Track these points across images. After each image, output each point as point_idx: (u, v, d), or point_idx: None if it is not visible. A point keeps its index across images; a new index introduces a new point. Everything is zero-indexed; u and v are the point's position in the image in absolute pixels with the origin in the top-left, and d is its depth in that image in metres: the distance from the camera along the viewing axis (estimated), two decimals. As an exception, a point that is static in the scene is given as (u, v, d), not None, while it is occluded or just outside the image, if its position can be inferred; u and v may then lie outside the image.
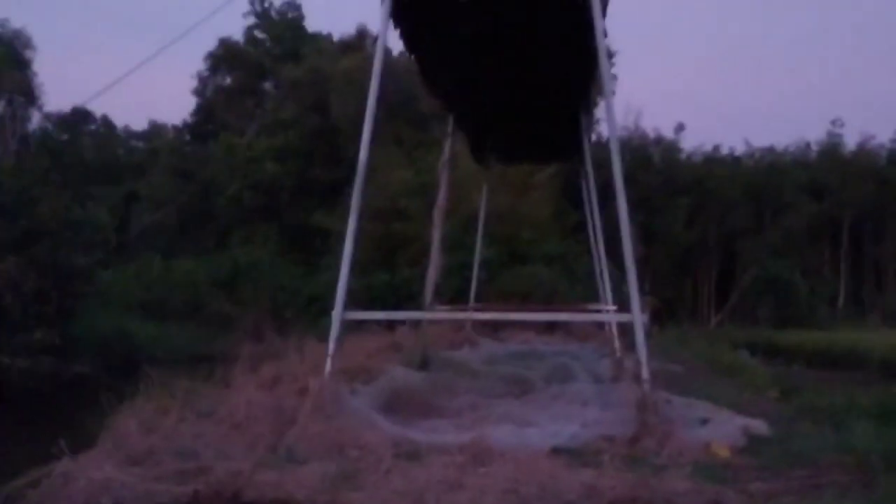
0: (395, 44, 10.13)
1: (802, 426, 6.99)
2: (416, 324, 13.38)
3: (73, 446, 6.13)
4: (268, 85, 50.31)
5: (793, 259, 45.64)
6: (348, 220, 8.26)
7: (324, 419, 6.46)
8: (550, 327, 17.71)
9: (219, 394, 7.55)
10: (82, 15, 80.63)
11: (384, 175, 29.48)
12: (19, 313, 18.59)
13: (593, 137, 22.48)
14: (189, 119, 50.92)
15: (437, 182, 13.94)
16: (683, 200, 45.22)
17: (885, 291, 48.26)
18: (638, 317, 7.26)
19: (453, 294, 18.02)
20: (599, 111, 22.11)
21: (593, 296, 17.60)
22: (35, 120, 45.13)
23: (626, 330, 11.02)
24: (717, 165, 49.24)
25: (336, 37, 50.22)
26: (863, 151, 51.71)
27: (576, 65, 10.46)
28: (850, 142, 52.15)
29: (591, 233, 17.05)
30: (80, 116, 47.59)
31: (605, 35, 8.09)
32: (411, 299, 20.73)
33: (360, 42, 46.60)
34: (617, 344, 12.23)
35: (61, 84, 75.08)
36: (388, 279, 27.75)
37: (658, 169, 46.47)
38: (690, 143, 58.18)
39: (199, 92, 50.44)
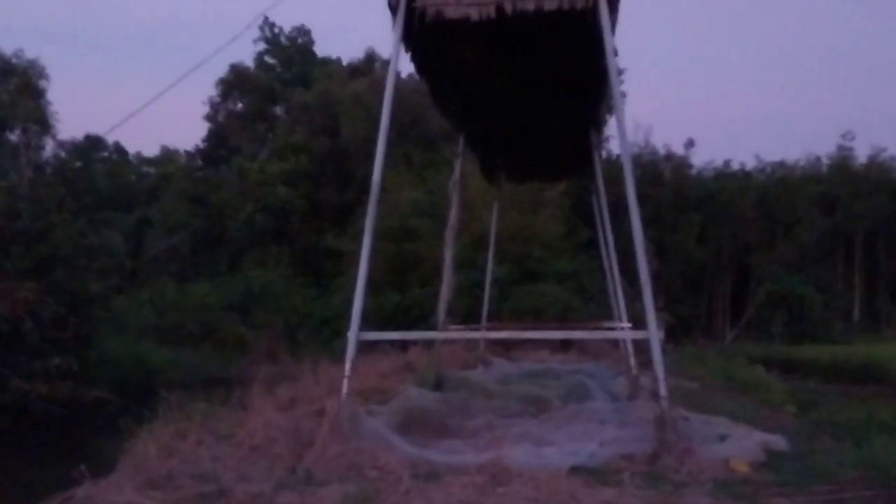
0: (405, 66, 10.25)
1: (822, 441, 6.95)
2: (429, 344, 13.39)
3: (93, 470, 6.18)
4: (278, 109, 50.78)
5: (806, 273, 45.35)
6: (360, 241, 8.32)
7: (341, 440, 6.47)
8: (564, 346, 17.67)
9: (236, 416, 7.59)
10: (91, 43, 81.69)
11: (395, 195, 29.63)
12: (37, 339, 18.70)
13: (604, 154, 22.52)
14: (201, 144, 51.43)
15: (447, 202, 13.98)
16: (695, 216, 45.09)
17: (901, 304, 47.79)
18: (654, 333, 7.24)
19: (465, 313, 18.00)
20: (609, 128, 22.21)
21: (606, 313, 17.54)
22: (49, 148, 45.69)
23: (641, 347, 11.00)
24: (728, 181, 49.08)
25: (345, 61, 50.75)
26: (874, 164, 51.46)
27: (585, 83, 10.54)
28: (861, 154, 51.94)
29: (603, 250, 17.04)
30: (92, 144, 48.14)
31: (616, 54, 8.16)
32: (423, 319, 20.74)
33: (369, 65, 47.02)
34: (632, 361, 12.18)
35: (73, 111, 76.05)
36: (400, 299, 27.78)
37: (669, 185, 46.39)
38: (701, 158, 58.06)
39: (210, 117, 50.95)
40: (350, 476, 5.78)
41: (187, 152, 51.77)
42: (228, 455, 6.30)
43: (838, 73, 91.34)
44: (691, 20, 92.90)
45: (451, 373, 12.57)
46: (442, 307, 12.88)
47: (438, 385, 11.05)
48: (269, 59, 51.73)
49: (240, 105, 50.94)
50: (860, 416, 7.95)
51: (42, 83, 42.65)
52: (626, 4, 8.56)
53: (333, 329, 26.86)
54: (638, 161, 44.52)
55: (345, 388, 7.42)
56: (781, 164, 52.00)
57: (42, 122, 43.21)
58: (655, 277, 8.07)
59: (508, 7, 7.84)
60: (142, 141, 73.89)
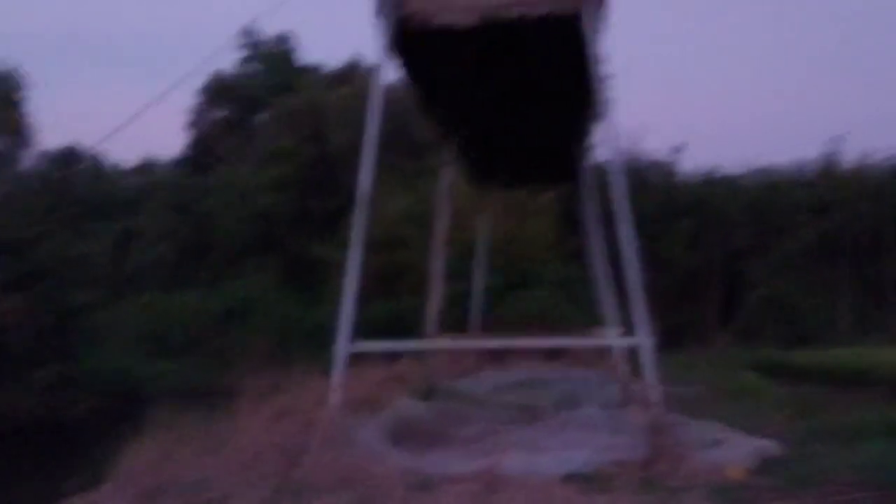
0: (389, 72, 10.22)
1: (814, 446, 6.95)
2: (419, 354, 13.33)
3: (83, 482, 6.12)
4: (262, 117, 50.62)
5: (798, 278, 45.59)
6: (348, 250, 8.29)
7: (333, 451, 6.42)
8: (555, 354, 17.62)
9: (226, 428, 7.52)
10: (69, 52, 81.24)
11: (382, 204, 29.54)
12: (23, 351, 18.56)
13: (593, 161, 22.58)
14: (183, 153, 51.13)
15: (436, 210, 13.97)
16: (685, 222, 45.24)
17: (891, 309, 48.09)
18: (645, 340, 7.25)
19: (455, 323, 17.92)
20: (598, 134, 22.21)
21: (597, 321, 17.54)
22: (29, 158, 45.33)
23: (632, 354, 11.00)
24: (717, 186, 49.27)
25: (329, 67, 50.65)
26: (862, 168, 51.91)
27: (573, 89, 10.56)
28: (850, 159, 52.34)
29: (593, 257, 17.05)
30: (71, 154, 47.86)
31: (600, 61, 8.17)
32: (413, 329, 20.65)
33: (353, 72, 46.98)
34: (624, 368, 12.18)
35: (52, 121, 75.61)
36: (389, 309, 27.65)
37: (658, 191, 46.53)
38: (689, 164, 58.29)
39: (193, 125, 50.71)
40: (342, 487, 5.72)
41: (169, 161, 51.50)
42: (219, 466, 6.24)
43: (827, 76, 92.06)
44: (680, 25, 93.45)
45: (443, 383, 12.52)
46: (432, 317, 12.84)
47: (429, 395, 11.00)
48: (251, 67, 51.58)
49: (223, 113, 50.77)
50: (852, 420, 7.97)
51: (21, 93, 42.41)
52: (616, 10, 8.59)
53: (322, 339, 26.63)
54: (626, 167, 44.54)
55: (335, 399, 7.37)
56: (770, 169, 52.29)
57: (21, 133, 42.94)
58: (645, 286, 8.08)
59: (495, 14, 7.86)
60: (124, 150, 73.56)
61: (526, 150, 14.39)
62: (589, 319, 19.92)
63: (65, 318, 20.34)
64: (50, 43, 74.79)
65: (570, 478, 5.79)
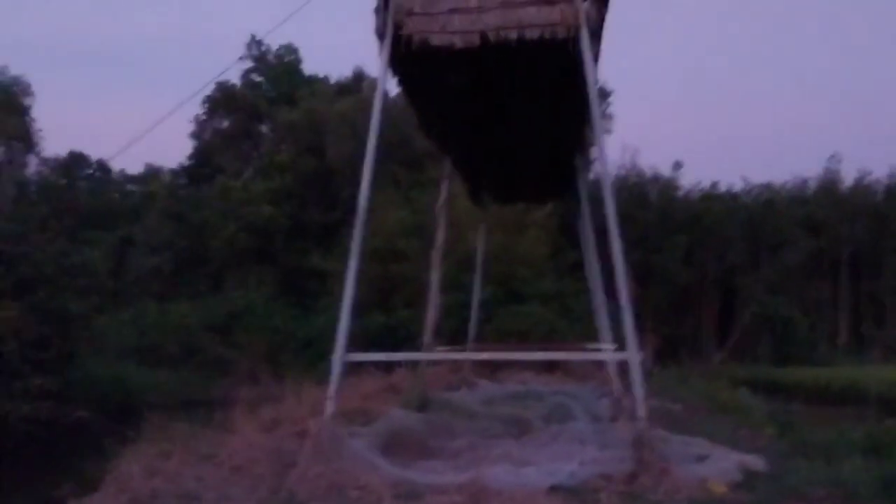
0: (391, 85, 10.41)
1: (796, 461, 7.07)
2: (415, 365, 13.40)
3: (77, 490, 6.21)
4: (264, 128, 50.85)
5: (792, 295, 45.74)
6: (345, 261, 8.41)
7: (324, 461, 6.52)
8: (549, 367, 17.70)
9: (219, 437, 7.63)
10: (74, 60, 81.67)
11: (380, 216, 29.70)
12: (19, 359, 18.61)
13: (591, 176, 22.71)
14: (186, 162, 51.33)
15: (434, 223, 14.09)
16: (681, 238, 45.39)
17: (885, 327, 48.26)
18: (634, 355, 7.37)
19: (451, 334, 18.04)
20: (595, 150, 22.39)
21: (592, 335, 17.61)
22: (32, 165, 45.55)
23: (625, 369, 11.11)
24: (714, 202, 49.49)
25: (333, 79, 50.93)
26: (860, 187, 52.16)
27: (569, 108, 10.72)
28: (848, 177, 52.64)
29: (587, 272, 17.16)
30: (75, 161, 48.03)
31: (595, 82, 8.33)
32: (408, 341, 20.75)
33: (358, 85, 47.25)
34: (616, 383, 12.27)
35: (55, 128, 75.94)
36: (385, 321, 27.76)
37: (655, 207, 46.71)
38: (688, 180, 58.50)
39: (196, 135, 50.93)
40: (332, 496, 5.83)
41: (172, 170, 51.66)
42: (211, 475, 6.34)
43: (826, 95, 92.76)
44: (678, 42, 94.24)
45: (436, 394, 12.58)
46: (429, 328, 12.93)
47: (423, 406, 11.07)
48: (255, 77, 51.84)
49: (225, 123, 50.97)
50: (834, 437, 8.09)
51: (27, 100, 42.63)
52: (612, 25, 8.77)
53: (317, 350, 26.77)
54: (624, 183, 44.79)
55: (328, 409, 7.47)
56: (768, 186, 52.59)
57: (26, 139, 43.11)
58: (638, 299, 8.21)
59: (492, 36, 8.04)
60: (126, 158, 73.87)
61: (522, 165, 14.55)
62: (583, 333, 20.04)
63: (61, 326, 20.39)
64: (53, 50, 75.35)
65: (555, 490, 5.90)
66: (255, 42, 50.26)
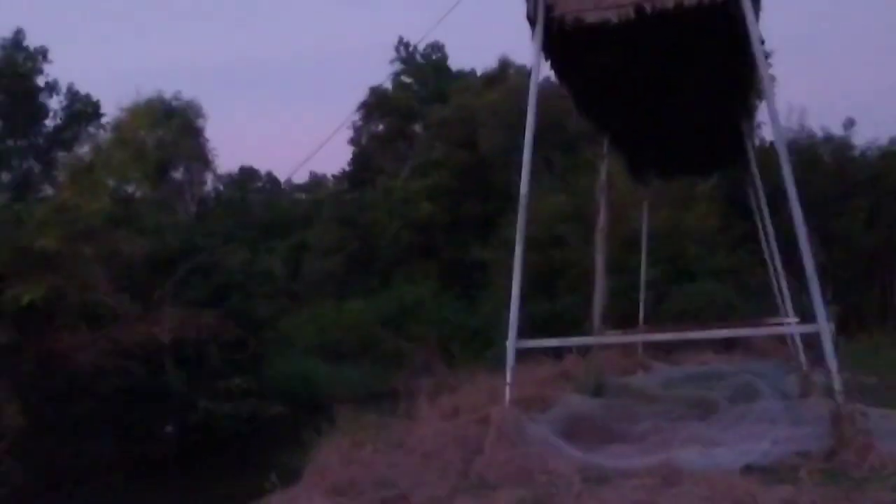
0: (542, 70, 10.33)
1: None
2: (584, 351, 13.30)
3: (280, 481, 6.71)
4: (418, 127, 52.14)
5: None
6: (504, 251, 8.51)
7: (508, 446, 6.63)
8: (728, 346, 16.94)
9: (405, 426, 7.96)
10: (235, 78, 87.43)
11: (538, 202, 29.56)
12: (218, 362, 20.38)
13: (757, 142, 21.41)
14: (347, 168, 53.67)
15: (594, 205, 13.90)
16: (862, 200, 41.84)
17: None
18: (824, 327, 6.93)
19: (619, 318, 17.69)
20: (761, 114, 21.15)
21: (770, 309, 16.70)
22: (209, 182, 49.37)
23: (810, 343, 10.45)
24: (895, 159, 45.21)
25: (479, 71, 51.33)
26: None
27: (732, 73, 10.23)
28: None
29: (763, 242, 16.28)
30: (247, 175, 51.59)
31: (758, 42, 7.88)
32: (574, 326, 20.57)
33: (504, 74, 47.35)
34: (802, 358, 11.59)
35: (226, 146, 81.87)
36: (550, 307, 27.66)
37: (830, 168, 43.37)
38: (863, 137, 53.81)
39: (354, 141, 53.09)
40: (521, 480, 5.92)
41: (335, 176, 54.19)
42: (403, 462, 6.64)
43: None
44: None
45: (611, 379, 12.43)
46: (597, 312, 12.79)
47: (598, 391, 10.98)
48: (405, 79, 53.26)
49: (380, 126, 52.74)
50: None
51: (200, 122, 46.22)
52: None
53: (484, 339, 27.15)
54: (794, 146, 41.90)
55: (507, 396, 7.59)
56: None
57: (202, 159, 46.78)
58: (821, 268, 7.71)
59: (648, 6, 7.79)
60: (291, 168, 78.16)
61: (687, 136, 13.98)
62: (760, 308, 19.02)
63: (252, 329, 22.09)
64: (217, 74, 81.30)
65: (750, 470, 5.68)
66: (402, 44, 51.72)
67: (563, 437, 7.54)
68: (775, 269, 14.98)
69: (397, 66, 52.63)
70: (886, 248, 43.68)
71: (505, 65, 48.22)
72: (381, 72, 56.39)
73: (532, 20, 8.40)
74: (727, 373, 12.90)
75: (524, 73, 29.52)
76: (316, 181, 55.05)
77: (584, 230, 21.38)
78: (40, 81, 40.70)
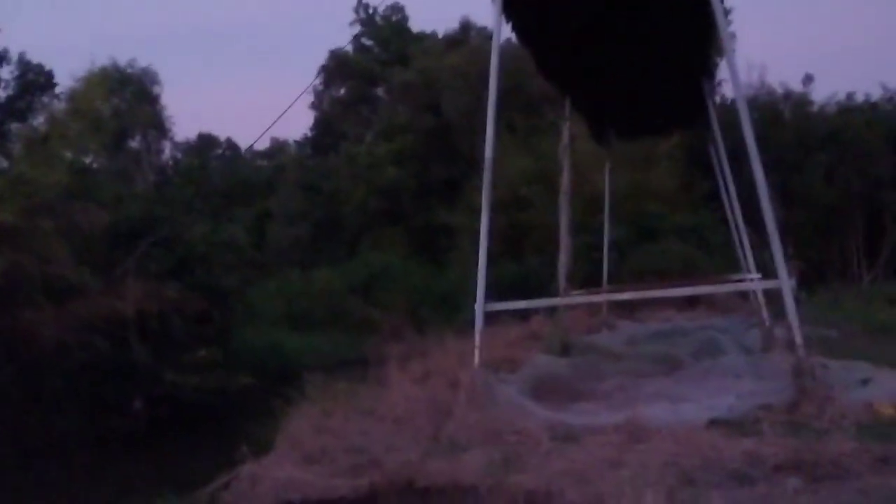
0: (503, 32, 10.23)
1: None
2: (551, 311, 13.43)
3: (252, 452, 6.69)
4: (380, 91, 51.54)
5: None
6: (470, 215, 8.52)
7: (478, 409, 6.71)
8: (691, 303, 17.25)
9: (376, 392, 7.99)
10: (190, 44, 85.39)
11: (502, 165, 29.48)
12: (183, 334, 20.19)
13: (717, 100, 21.52)
14: (309, 133, 52.98)
15: (558, 167, 13.91)
16: (821, 156, 42.53)
17: None
18: (785, 282, 7.07)
19: (584, 278, 17.87)
20: (721, 72, 21.24)
21: (733, 266, 16.99)
22: (167, 150, 48.50)
23: (772, 298, 10.67)
24: (853, 115, 45.89)
25: (441, 33, 50.77)
26: None
27: (692, 29, 10.23)
28: None
29: (725, 200, 16.50)
30: (206, 143, 50.69)
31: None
32: (541, 287, 20.75)
33: (466, 36, 46.91)
34: (764, 313, 11.84)
35: (183, 113, 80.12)
36: (517, 269, 27.81)
37: (790, 125, 43.93)
38: (821, 93, 54.55)
39: (315, 106, 52.33)
40: (490, 441, 6.00)
41: (297, 142, 53.49)
42: (374, 428, 6.67)
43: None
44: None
45: (577, 338, 12.60)
46: (562, 273, 12.90)
47: (565, 351, 11.13)
48: (366, 41, 52.45)
49: (342, 91, 52.03)
50: None
51: (156, 89, 45.19)
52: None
53: (453, 303, 27.26)
54: (754, 103, 42.30)
55: (476, 359, 7.64)
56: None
57: (159, 127, 45.86)
58: (782, 224, 7.84)
59: (607, -36, 7.74)
60: (250, 134, 77.03)
61: (647, 96, 14.01)
62: (723, 266, 19.35)
63: (217, 300, 21.88)
64: (175, 39, 79.23)
65: (715, 424, 5.81)
66: (362, 6, 50.84)
67: (532, 397, 7.65)
68: (737, 227, 15.20)
69: (357, 29, 51.76)
70: (843, 204, 44.58)
71: (466, 27, 47.76)
72: (341, 35, 55.61)
73: (492, -20, 8.32)
74: (691, 329, 13.19)
75: (486, 36, 29.25)
76: (278, 146, 54.25)
77: (548, 192, 21.43)
78: (-10, 51, 39.30)
